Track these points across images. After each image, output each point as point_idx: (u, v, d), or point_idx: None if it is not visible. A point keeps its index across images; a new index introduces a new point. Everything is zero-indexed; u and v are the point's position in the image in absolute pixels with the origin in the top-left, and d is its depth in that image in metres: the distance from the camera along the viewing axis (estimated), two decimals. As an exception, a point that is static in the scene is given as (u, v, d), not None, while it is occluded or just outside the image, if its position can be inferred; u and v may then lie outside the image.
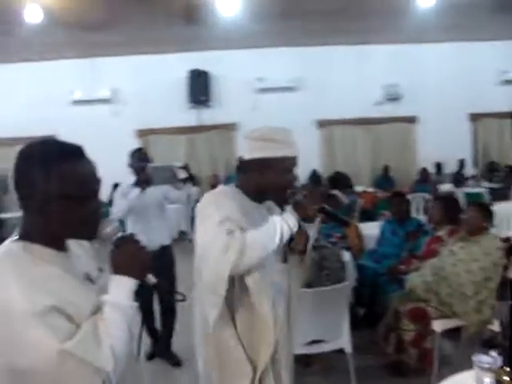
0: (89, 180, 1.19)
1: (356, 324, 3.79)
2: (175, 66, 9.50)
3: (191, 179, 8.25)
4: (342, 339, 3.06)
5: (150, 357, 3.90)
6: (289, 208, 1.75)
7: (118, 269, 1.19)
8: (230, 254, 1.57)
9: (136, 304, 1.20)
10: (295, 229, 1.71)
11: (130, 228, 3.78)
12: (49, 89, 9.44)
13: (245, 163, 1.80)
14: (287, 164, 1.75)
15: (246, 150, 1.79)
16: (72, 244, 1.28)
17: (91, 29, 7.67)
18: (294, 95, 9.73)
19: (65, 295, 1.10)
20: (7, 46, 8.25)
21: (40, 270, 1.11)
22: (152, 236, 3.57)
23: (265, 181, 1.75)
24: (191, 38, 8.63)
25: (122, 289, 1.18)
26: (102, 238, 1.27)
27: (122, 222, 4.09)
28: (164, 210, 3.89)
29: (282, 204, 1.88)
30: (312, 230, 1.89)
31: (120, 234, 1.25)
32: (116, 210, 3.71)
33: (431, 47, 9.55)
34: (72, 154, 1.18)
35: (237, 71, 9.57)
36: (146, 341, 3.92)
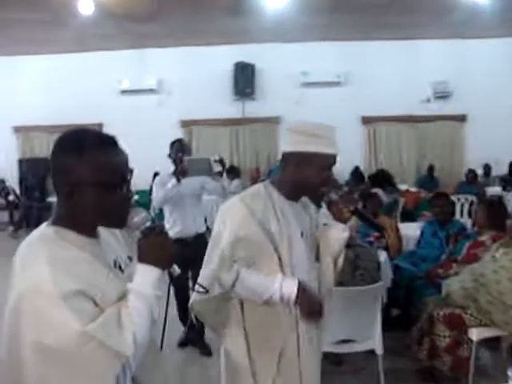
0: (120, 168, 1.22)
1: (389, 326, 3.73)
2: (221, 58, 9.55)
3: (234, 171, 8.39)
4: (373, 340, 3.00)
5: (183, 344, 3.97)
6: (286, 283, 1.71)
7: (144, 258, 1.21)
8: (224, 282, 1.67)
9: (160, 293, 1.21)
10: (292, 296, 1.68)
11: (167, 216, 3.88)
12: (98, 78, 9.72)
13: (284, 156, 1.78)
14: (327, 161, 1.73)
15: (288, 143, 1.77)
16: (103, 232, 1.32)
17: (139, 20, 7.82)
18: (339, 90, 9.59)
19: (92, 280, 1.14)
20: (60, 37, 8.54)
21: (70, 254, 1.15)
22: (188, 224, 3.75)
23: (302, 176, 1.72)
24: (237, 31, 8.66)
25: (146, 278, 1.19)
26: (131, 227, 1.28)
27: (160, 210, 4.21)
28: (200, 200, 3.98)
29: (316, 202, 1.86)
30: (345, 231, 1.86)
31: (148, 224, 1.26)
32: (154, 199, 3.83)
33: (482, 43, 9.18)
34: (105, 142, 1.22)
35: (282, 64, 9.52)
36: (180, 328, 3.99)
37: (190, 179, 3.67)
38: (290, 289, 1.67)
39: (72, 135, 1.22)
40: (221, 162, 3.74)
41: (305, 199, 1.91)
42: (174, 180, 3.62)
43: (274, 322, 1.72)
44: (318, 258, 1.92)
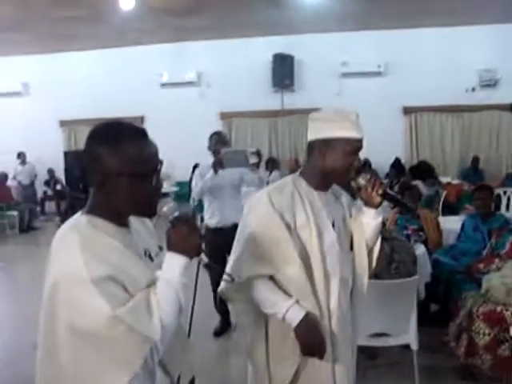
0: (151, 160, 1.25)
1: (427, 321, 3.65)
2: (260, 50, 9.54)
3: (274, 163, 8.39)
4: (408, 335, 2.95)
5: (217, 334, 4.03)
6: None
7: (173, 247, 1.24)
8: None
9: (186, 281, 1.24)
10: (294, 324, 1.68)
11: (207, 206, 3.99)
12: (139, 72, 9.94)
13: (309, 145, 1.77)
14: (352, 146, 1.69)
15: (311, 132, 1.76)
16: (135, 222, 1.36)
17: (179, 14, 7.91)
18: (380, 80, 9.40)
19: (122, 267, 1.18)
20: (102, 32, 8.77)
21: (102, 242, 1.20)
22: (226, 214, 3.82)
23: (328, 163, 1.71)
24: (276, 22, 8.62)
25: (173, 266, 1.23)
26: (160, 217, 1.32)
27: (200, 201, 4.30)
28: (239, 191, 4.04)
29: (349, 191, 1.83)
30: (378, 217, 1.82)
31: (177, 214, 1.29)
32: (193, 190, 3.96)
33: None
34: (135, 134, 1.26)
35: (321, 55, 9.42)
36: (216, 318, 4.06)
37: (230, 171, 3.75)
38: (295, 316, 1.66)
39: (105, 127, 1.27)
40: (257, 153, 3.79)
41: (337, 188, 1.89)
42: (211, 172, 3.70)
43: (296, 341, 1.70)
44: (352, 248, 1.89)
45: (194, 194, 3.99)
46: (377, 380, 3.17)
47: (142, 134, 1.27)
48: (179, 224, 1.26)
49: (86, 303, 1.10)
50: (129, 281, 1.17)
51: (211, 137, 4.07)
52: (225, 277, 1.48)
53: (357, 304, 1.91)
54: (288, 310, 1.67)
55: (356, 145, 1.70)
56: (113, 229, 1.25)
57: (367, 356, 3.43)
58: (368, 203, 1.79)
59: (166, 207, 1.29)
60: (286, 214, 1.70)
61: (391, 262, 3.11)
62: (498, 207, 7.22)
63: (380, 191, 1.73)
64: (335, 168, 1.71)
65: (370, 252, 1.91)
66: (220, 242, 3.22)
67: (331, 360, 1.74)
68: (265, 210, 1.71)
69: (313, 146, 1.75)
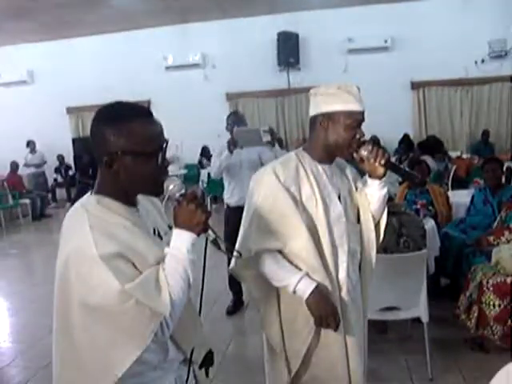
0: (155, 138, 1.26)
1: (437, 295, 3.67)
2: (263, 29, 9.44)
3: (279, 142, 8.37)
4: (419, 308, 2.96)
5: (230, 313, 4.08)
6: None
7: (179, 223, 1.26)
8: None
9: (193, 257, 1.26)
10: (305, 295, 1.69)
11: (227, 185, 4.04)
12: (144, 56, 9.90)
13: (311, 120, 1.77)
14: (353, 118, 1.69)
15: (312, 107, 1.76)
16: (144, 201, 1.38)
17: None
18: (387, 55, 9.26)
19: (131, 244, 1.20)
20: (105, 16, 8.71)
21: (111, 220, 1.22)
22: (245, 193, 3.81)
23: (330, 136, 1.71)
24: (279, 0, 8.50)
25: (180, 242, 1.24)
26: (169, 197, 1.33)
27: (210, 183, 4.31)
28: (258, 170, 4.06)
29: (347, 159, 1.83)
30: (382, 188, 1.81)
31: (183, 191, 1.30)
32: (211, 170, 4.04)
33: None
34: (140, 113, 1.27)
35: (327, 32, 9.29)
36: (229, 297, 4.11)
37: (248, 150, 3.82)
38: (305, 287, 1.68)
39: (110, 107, 1.28)
40: (271, 131, 3.80)
41: (341, 161, 1.88)
42: (227, 151, 3.75)
43: (307, 315, 1.71)
44: (359, 221, 1.89)
45: (212, 173, 4.03)
46: (388, 354, 3.20)
47: (146, 113, 1.28)
48: (185, 201, 1.27)
49: (96, 279, 1.12)
50: (137, 258, 1.19)
51: (228, 116, 4.15)
52: (234, 253, 1.49)
53: (366, 276, 1.92)
54: (299, 283, 1.68)
55: (357, 117, 1.70)
56: (121, 207, 1.27)
57: (378, 330, 3.46)
58: (372, 174, 1.78)
59: (173, 185, 1.30)
60: (291, 187, 1.71)
61: (400, 236, 3.11)
62: (508, 180, 7.15)
63: (383, 161, 1.71)
64: (338, 141, 1.71)
65: (376, 224, 1.91)
66: (240, 220, 3.26)
67: (343, 332, 1.76)
68: (271, 184, 1.72)
69: (315, 121, 1.75)
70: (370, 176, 1.80)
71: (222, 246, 1.37)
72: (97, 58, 10.11)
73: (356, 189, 1.89)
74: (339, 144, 1.72)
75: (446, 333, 3.34)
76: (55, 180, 10.75)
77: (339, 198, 1.79)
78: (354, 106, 1.68)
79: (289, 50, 9.47)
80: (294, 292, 1.70)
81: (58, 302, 1.20)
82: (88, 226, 1.17)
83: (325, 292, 1.70)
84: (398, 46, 9.26)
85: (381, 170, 1.74)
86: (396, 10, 9.03)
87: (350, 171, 1.91)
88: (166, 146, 1.29)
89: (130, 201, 1.30)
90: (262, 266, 1.73)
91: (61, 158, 10.56)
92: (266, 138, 3.74)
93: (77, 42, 10.22)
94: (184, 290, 1.23)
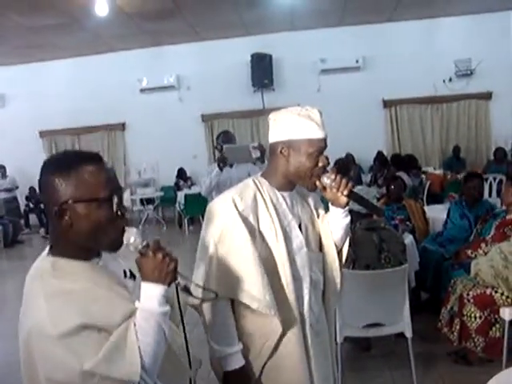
0: (105, 184, 1.20)
1: (419, 309, 3.70)
2: (237, 51, 9.54)
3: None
4: (402, 323, 2.98)
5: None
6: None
7: (147, 276, 1.21)
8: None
9: (166, 309, 1.21)
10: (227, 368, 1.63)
11: None
12: (118, 79, 9.86)
13: (271, 147, 1.68)
14: (315, 146, 1.60)
15: (272, 133, 1.66)
16: None
17: (153, 18, 7.89)
18: (359, 75, 9.45)
19: (93, 310, 1.14)
20: (78, 40, 8.68)
21: (68, 287, 1.16)
22: None
23: (291, 165, 1.62)
24: (252, 22, 8.64)
25: (151, 295, 1.19)
26: (130, 247, 1.25)
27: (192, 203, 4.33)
28: None
29: (310, 190, 1.72)
30: (345, 216, 1.73)
31: (145, 242, 1.23)
32: (201, 189, 4.08)
33: (503, 16, 8.90)
34: (88, 159, 1.21)
35: (299, 53, 9.45)
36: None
37: (238, 168, 3.87)
38: (233, 363, 1.63)
39: (57, 156, 1.24)
40: (260, 147, 3.83)
41: (302, 188, 1.76)
42: (217, 169, 3.79)
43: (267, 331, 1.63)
44: (321, 249, 1.81)
45: (203, 192, 4.05)
46: (373, 370, 3.20)
47: (95, 158, 1.22)
48: (150, 252, 1.21)
49: (56, 359, 1.09)
50: (103, 320, 1.14)
51: (218, 136, 4.23)
52: (211, 295, 1.40)
53: (330, 306, 1.85)
54: (229, 355, 1.62)
55: (320, 145, 1.61)
56: (79, 267, 1.20)
57: (361, 347, 3.47)
58: (334, 203, 1.68)
59: (133, 237, 1.23)
60: (249, 216, 1.62)
61: (381, 252, 3.15)
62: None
63: (345, 192, 1.62)
64: (299, 170, 1.63)
65: (339, 252, 1.82)
66: None
67: (307, 372, 1.68)
68: (229, 216, 1.61)
69: (275, 148, 1.65)
70: (332, 204, 1.70)
71: (194, 290, 1.33)
72: (70, 81, 10.02)
73: (318, 216, 1.81)
74: (301, 173, 1.63)
75: (430, 347, 3.37)
76: (27, 206, 10.51)
77: (300, 226, 1.72)
78: (316, 134, 1.60)
79: (263, 71, 9.59)
80: (220, 359, 1.64)
81: (26, 376, 1.16)
82: (43, 298, 1.12)
83: (247, 375, 1.64)
84: (370, 65, 9.48)
85: (343, 200, 1.65)
86: (367, 32, 9.26)
87: (311, 197, 1.83)
88: (121, 193, 1.25)
89: (87, 256, 1.23)
90: (213, 315, 1.62)
91: (32, 189, 10.26)
92: (256, 154, 3.80)
93: (50, 65, 10.12)
94: (159, 344, 1.19)
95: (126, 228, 1.24)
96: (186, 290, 1.28)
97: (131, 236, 1.22)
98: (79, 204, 1.16)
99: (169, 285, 1.22)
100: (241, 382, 1.64)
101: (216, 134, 10.31)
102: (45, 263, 1.21)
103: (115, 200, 1.20)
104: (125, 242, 1.22)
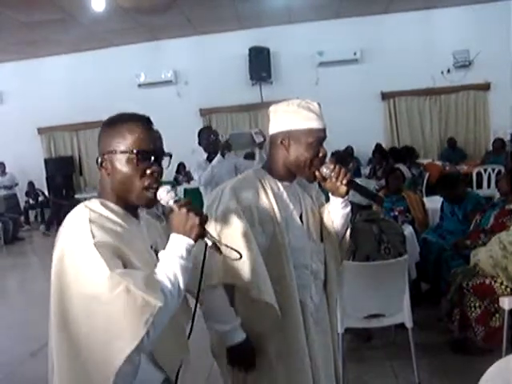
0: (142, 141, 1.26)
1: (419, 300, 3.72)
2: (235, 44, 9.52)
3: (252, 157, 8.45)
4: (402, 314, 2.99)
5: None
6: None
7: (174, 229, 1.25)
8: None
9: (186, 263, 1.22)
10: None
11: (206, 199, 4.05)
12: (116, 74, 9.84)
13: (271, 138, 1.71)
14: (315, 137, 1.63)
15: (272, 125, 1.70)
16: (147, 219, 1.42)
17: (150, 13, 7.85)
18: (357, 67, 9.44)
19: (127, 243, 1.21)
20: (76, 35, 8.65)
21: (111, 218, 1.23)
22: None
23: (291, 156, 1.66)
24: (250, 15, 8.61)
25: (175, 246, 1.23)
26: (162, 205, 1.31)
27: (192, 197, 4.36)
28: None
29: (309, 181, 1.75)
30: (345, 206, 1.75)
31: (176, 198, 1.28)
32: (198, 180, 4.07)
33: (500, 6, 8.81)
34: (133, 117, 1.29)
35: (297, 46, 9.44)
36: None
37: (225, 162, 3.91)
38: (237, 336, 1.64)
39: (112, 115, 1.33)
40: (261, 133, 3.87)
41: (303, 179, 1.80)
42: (218, 156, 3.84)
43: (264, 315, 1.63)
44: (322, 239, 1.83)
45: (203, 181, 4.04)
46: (374, 360, 3.22)
47: (140, 118, 1.30)
48: (176, 207, 1.26)
49: (89, 267, 1.11)
50: (129, 257, 1.19)
51: (200, 133, 4.26)
52: (234, 255, 1.38)
53: (332, 296, 1.87)
54: (229, 331, 1.63)
55: (319, 135, 1.64)
56: (122, 212, 1.28)
57: (362, 338, 3.49)
58: (334, 193, 1.71)
59: (165, 192, 1.28)
60: (250, 206, 1.64)
61: (381, 243, 3.16)
62: (479, 185, 7.37)
63: (344, 181, 1.65)
64: (299, 160, 1.66)
65: (340, 242, 1.86)
66: None
67: (308, 359, 1.70)
68: (229, 206, 1.63)
69: (275, 140, 1.69)
70: (332, 194, 1.73)
71: (223, 249, 1.33)
72: (68, 77, 10.00)
73: (319, 206, 1.84)
74: (300, 163, 1.66)
75: (430, 337, 3.39)
76: (27, 202, 10.52)
77: (301, 217, 1.74)
78: (315, 124, 1.64)
79: (260, 64, 9.57)
80: (223, 335, 1.65)
81: (55, 299, 1.16)
82: (87, 219, 1.18)
83: (250, 347, 1.66)
84: (368, 58, 9.46)
85: (343, 189, 1.67)
86: (364, 24, 9.25)
87: (312, 189, 1.86)
88: (158, 155, 1.29)
89: (130, 210, 1.30)
90: (212, 300, 1.63)
91: (31, 184, 10.27)
92: (259, 139, 3.83)
93: (47, 61, 10.10)
94: (173, 297, 1.18)
95: (161, 186, 1.28)
96: (216, 247, 1.29)
97: (163, 192, 1.28)
98: (113, 155, 1.26)
99: (195, 241, 1.24)
100: (245, 355, 1.66)
101: (215, 128, 10.43)
102: (93, 201, 1.28)
103: (149, 160, 1.26)
104: (158, 197, 1.28)
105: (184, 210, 1.24)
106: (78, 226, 1.18)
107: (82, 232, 1.15)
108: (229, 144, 3.78)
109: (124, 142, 1.25)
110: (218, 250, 1.30)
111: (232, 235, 1.59)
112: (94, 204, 1.26)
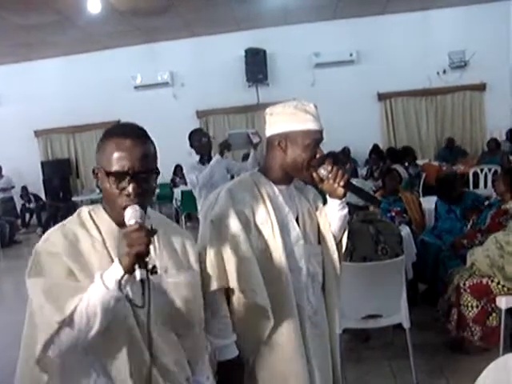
0: (120, 160, 1.23)
1: (417, 301, 3.73)
2: (231, 46, 9.53)
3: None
4: (400, 314, 2.99)
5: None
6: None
7: (118, 251, 1.24)
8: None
9: (119, 294, 1.15)
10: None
11: (200, 202, 4.03)
12: (112, 76, 9.82)
13: (268, 140, 1.70)
14: (311, 138, 1.63)
15: (269, 127, 1.69)
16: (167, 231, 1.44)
17: (147, 15, 7.86)
18: (353, 68, 9.46)
19: (88, 257, 1.26)
20: (72, 38, 8.64)
21: (81, 234, 1.29)
22: None
23: (288, 157, 1.65)
24: (246, 17, 8.62)
25: (110, 273, 1.16)
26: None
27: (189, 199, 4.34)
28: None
29: (307, 182, 1.75)
30: (343, 208, 1.74)
31: (132, 221, 1.18)
32: (196, 177, 4.01)
33: (495, 7, 8.89)
34: (122, 133, 1.27)
35: (293, 47, 9.45)
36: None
37: (218, 166, 3.91)
38: (229, 353, 1.63)
39: (113, 126, 1.35)
40: (257, 133, 3.89)
41: (300, 182, 1.80)
42: (217, 156, 3.84)
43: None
44: (319, 241, 1.81)
45: (201, 182, 4.00)
46: (372, 361, 3.23)
47: (129, 134, 1.25)
48: (122, 232, 1.19)
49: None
50: (82, 267, 1.23)
51: (191, 135, 4.23)
52: None
53: (330, 298, 1.85)
54: (225, 346, 1.62)
55: (316, 137, 1.64)
56: (107, 223, 1.31)
57: (360, 339, 3.50)
58: (331, 195, 1.70)
59: (129, 214, 1.20)
60: (245, 210, 1.63)
61: (378, 244, 3.16)
62: (476, 185, 7.39)
63: (342, 183, 1.64)
64: (296, 162, 1.65)
65: (337, 244, 1.83)
66: None
67: (305, 363, 1.68)
68: (225, 208, 1.62)
69: (272, 142, 1.68)
70: (329, 196, 1.72)
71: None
72: (64, 79, 9.99)
73: (316, 209, 1.83)
74: (297, 165, 1.66)
75: (428, 337, 3.40)
76: (24, 205, 10.49)
77: (297, 220, 1.73)
78: (312, 125, 1.63)
79: (257, 66, 9.58)
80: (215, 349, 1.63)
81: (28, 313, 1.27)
82: (59, 224, 1.32)
83: (240, 365, 1.65)
84: (364, 59, 9.49)
85: (340, 191, 1.66)
86: (360, 25, 9.28)
87: (309, 192, 1.85)
88: (136, 173, 1.23)
89: (118, 218, 1.26)
90: (216, 309, 1.61)
91: (25, 189, 10.21)
92: (255, 139, 3.86)
93: (44, 63, 10.08)
94: (81, 328, 1.16)
95: (130, 206, 1.22)
96: (142, 282, 1.14)
97: (129, 209, 1.21)
98: (99, 169, 1.29)
99: (126, 271, 1.13)
100: (233, 371, 1.64)
101: (211, 130, 10.42)
102: (94, 206, 1.38)
103: (127, 178, 1.24)
104: (125, 215, 1.21)
105: (129, 230, 1.15)
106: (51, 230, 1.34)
107: (47, 235, 1.34)
108: (228, 143, 3.78)
109: (104, 159, 1.26)
110: (151, 272, 1.18)
111: (227, 238, 1.59)
112: (83, 210, 1.35)
